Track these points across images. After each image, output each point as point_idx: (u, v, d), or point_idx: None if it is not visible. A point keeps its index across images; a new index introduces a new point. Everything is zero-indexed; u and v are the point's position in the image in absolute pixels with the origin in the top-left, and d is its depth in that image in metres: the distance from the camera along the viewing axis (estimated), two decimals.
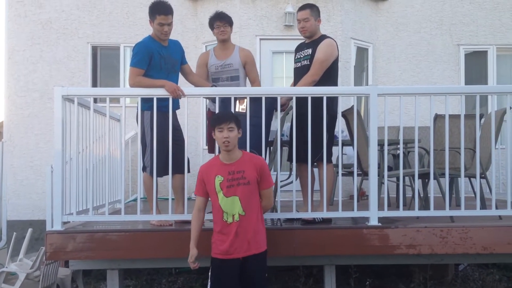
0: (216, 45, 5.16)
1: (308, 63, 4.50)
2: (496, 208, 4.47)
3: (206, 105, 5.02)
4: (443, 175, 4.47)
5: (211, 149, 4.66)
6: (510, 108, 4.63)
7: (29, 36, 8.22)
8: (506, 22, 8.42)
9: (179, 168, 4.37)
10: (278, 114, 4.32)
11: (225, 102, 4.31)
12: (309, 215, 4.35)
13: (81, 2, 8.26)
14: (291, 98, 4.44)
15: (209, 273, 3.62)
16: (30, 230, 5.48)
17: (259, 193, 3.64)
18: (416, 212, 4.36)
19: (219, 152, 4.16)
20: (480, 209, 4.48)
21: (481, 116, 4.55)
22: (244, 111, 4.23)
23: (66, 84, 7.55)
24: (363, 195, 6.65)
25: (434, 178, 4.41)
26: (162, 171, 4.39)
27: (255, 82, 5.07)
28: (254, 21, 7.73)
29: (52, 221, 4.20)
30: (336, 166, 5.76)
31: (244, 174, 3.54)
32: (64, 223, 4.25)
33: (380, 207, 4.30)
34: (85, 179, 4.50)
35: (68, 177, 4.32)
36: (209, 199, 3.67)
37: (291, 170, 4.61)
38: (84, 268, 4.74)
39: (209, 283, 3.62)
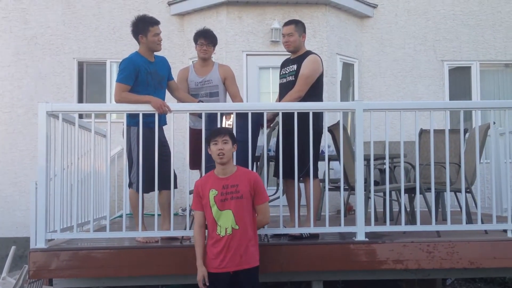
0: (196, 61, 5.18)
1: (293, 78, 4.53)
2: (482, 222, 4.50)
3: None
4: (429, 189, 4.49)
5: (192, 165, 4.64)
6: (494, 123, 4.69)
7: (14, 51, 8.18)
8: (488, 38, 8.57)
9: (165, 184, 4.34)
10: (265, 130, 4.33)
11: (212, 117, 4.30)
12: (296, 230, 4.34)
13: (67, 18, 8.25)
14: (277, 114, 4.45)
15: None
16: (13, 247, 5.40)
17: (254, 208, 3.66)
18: (403, 227, 4.37)
19: (206, 168, 4.17)
20: (466, 223, 4.50)
21: (465, 131, 4.60)
22: (231, 126, 4.23)
23: (52, 100, 7.50)
24: (350, 210, 6.65)
25: (420, 193, 4.43)
26: (149, 187, 4.35)
27: (236, 97, 5.09)
28: (240, 37, 7.78)
29: (36, 239, 4.14)
30: (323, 181, 5.76)
31: (238, 188, 3.57)
32: (49, 240, 4.18)
33: (367, 222, 4.31)
34: (70, 195, 4.45)
35: (52, 194, 4.26)
36: None
37: (278, 185, 4.61)
38: (68, 286, 4.64)
39: None
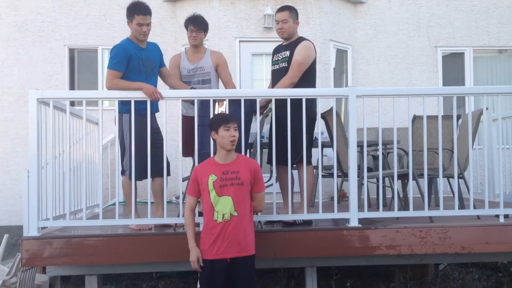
0: (188, 48, 5.14)
1: (286, 65, 4.50)
2: (474, 208, 4.52)
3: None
4: (422, 175, 4.51)
5: (185, 152, 4.62)
6: (487, 109, 4.69)
7: (4, 38, 8.08)
8: (482, 24, 8.55)
9: (158, 171, 4.33)
10: (258, 116, 4.31)
11: (204, 104, 4.28)
12: (289, 217, 4.35)
13: (57, 4, 8.14)
14: (270, 100, 4.43)
15: (199, 275, 3.60)
16: (6, 236, 5.38)
17: (251, 195, 3.65)
18: (396, 213, 4.39)
19: (199, 155, 4.15)
20: (459, 209, 4.52)
21: (458, 117, 4.60)
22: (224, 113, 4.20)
23: (43, 87, 7.43)
24: (343, 196, 6.67)
25: (413, 179, 4.44)
26: (142, 175, 4.33)
27: (229, 83, 5.06)
28: (233, 23, 7.72)
29: (28, 227, 4.12)
30: (317, 168, 5.76)
31: (239, 174, 3.56)
32: (41, 228, 4.17)
33: (360, 208, 4.32)
34: (62, 183, 4.43)
35: (44, 182, 4.24)
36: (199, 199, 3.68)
37: (271, 172, 4.60)
38: (61, 274, 4.66)
39: (198, 285, 3.61)
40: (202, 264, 3.55)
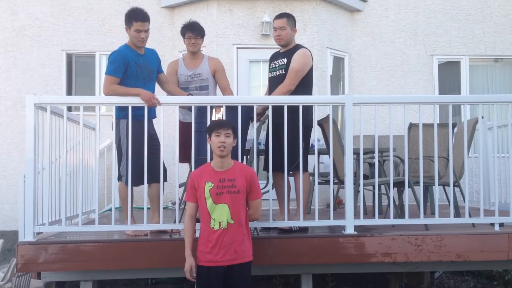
0: (186, 54, 5.16)
1: (284, 72, 4.53)
2: (470, 216, 4.54)
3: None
4: (417, 183, 4.52)
5: (182, 159, 4.63)
6: (482, 117, 4.72)
7: (2, 43, 8.09)
8: (478, 33, 8.61)
9: (155, 177, 4.33)
10: (254, 123, 4.32)
11: (201, 110, 4.29)
12: (285, 224, 4.35)
13: (55, 9, 8.16)
14: (267, 107, 4.44)
15: (195, 281, 3.59)
16: (1, 241, 5.35)
17: (247, 203, 3.65)
18: (392, 220, 4.40)
19: (195, 161, 4.16)
20: (454, 217, 4.53)
21: (454, 125, 4.63)
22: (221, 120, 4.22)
23: (40, 92, 7.45)
24: (340, 204, 6.67)
25: (409, 187, 4.45)
26: (138, 180, 4.34)
27: (226, 89, 5.08)
28: (231, 30, 7.75)
29: (24, 232, 4.11)
30: (313, 175, 5.78)
31: (235, 182, 3.56)
32: (37, 233, 4.16)
33: (356, 215, 4.33)
34: (58, 188, 4.42)
35: (41, 187, 4.24)
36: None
37: (268, 179, 4.61)
38: (57, 279, 4.64)
39: None
40: (195, 274, 3.55)
